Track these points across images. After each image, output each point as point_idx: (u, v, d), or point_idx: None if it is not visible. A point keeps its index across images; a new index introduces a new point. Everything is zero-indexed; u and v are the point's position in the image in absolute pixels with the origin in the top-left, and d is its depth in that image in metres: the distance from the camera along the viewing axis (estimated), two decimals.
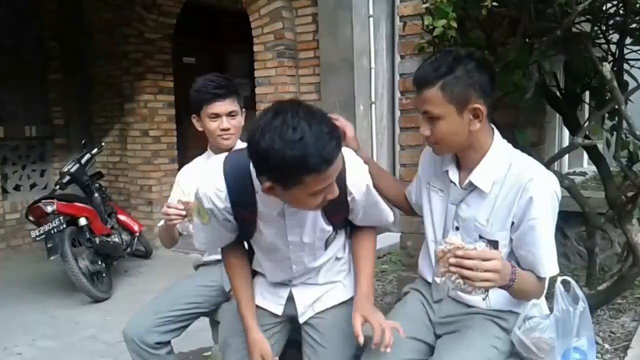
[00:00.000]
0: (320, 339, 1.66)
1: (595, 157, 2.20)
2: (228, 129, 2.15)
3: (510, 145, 1.59)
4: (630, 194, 2.00)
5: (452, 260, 1.27)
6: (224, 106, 2.12)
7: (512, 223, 1.50)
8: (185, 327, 2.20)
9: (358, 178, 1.53)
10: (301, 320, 1.70)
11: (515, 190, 1.47)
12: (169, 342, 2.15)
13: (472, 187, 1.55)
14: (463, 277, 1.26)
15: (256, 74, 4.53)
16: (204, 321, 2.47)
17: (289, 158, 1.21)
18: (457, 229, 1.59)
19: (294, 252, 1.61)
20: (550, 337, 1.53)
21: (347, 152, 1.50)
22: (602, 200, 2.17)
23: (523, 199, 1.46)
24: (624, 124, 1.91)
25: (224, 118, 2.14)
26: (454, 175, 1.60)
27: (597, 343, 1.80)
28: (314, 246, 1.61)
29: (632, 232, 1.89)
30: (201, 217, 1.57)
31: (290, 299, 1.71)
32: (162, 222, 2.18)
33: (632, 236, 1.89)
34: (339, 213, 1.58)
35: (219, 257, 2.27)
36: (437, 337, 1.66)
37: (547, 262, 1.48)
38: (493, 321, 1.59)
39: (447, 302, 1.65)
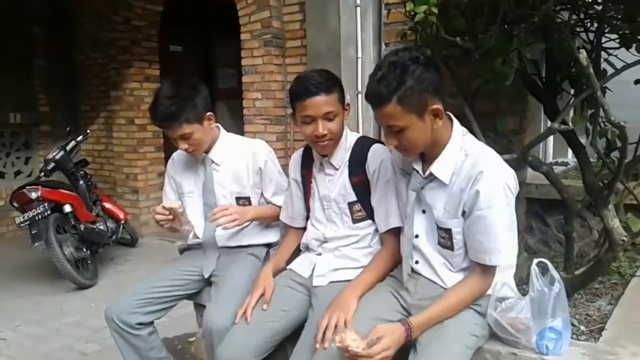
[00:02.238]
0: (317, 304, 1.84)
1: (575, 144, 2.24)
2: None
3: (470, 136, 1.65)
4: (606, 180, 2.04)
5: (347, 355, 1.43)
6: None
7: (463, 212, 1.56)
8: (167, 309, 2.21)
9: (378, 154, 1.86)
10: (314, 282, 1.91)
11: (467, 181, 1.53)
12: (151, 323, 2.16)
13: (432, 177, 1.61)
14: None
15: (243, 62, 4.51)
16: (189, 307, 2.49)
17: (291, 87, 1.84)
18: (424, 211, 1.67)
19: (328, 207, 1.95)
20: (525, 317, 1.56)
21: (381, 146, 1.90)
22: (582, 188, 2.21)
23: (472, 190, 1.52)
24: (601, 112, 1.95)
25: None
26: (417, 164, 1.66)
27: (573, 325, 1.83)
28: (340, 208, 1.93)
29: (608, 217, 1.93)
30: None
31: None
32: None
33: (608, 221, 1.92)
34: (359, 175, 1.89)
35: (200, 241, 2.31)
36: None
37: (498, 251, 1.53)
38: (469, 307, 1.61)
39: (422, 284, 1.69)
